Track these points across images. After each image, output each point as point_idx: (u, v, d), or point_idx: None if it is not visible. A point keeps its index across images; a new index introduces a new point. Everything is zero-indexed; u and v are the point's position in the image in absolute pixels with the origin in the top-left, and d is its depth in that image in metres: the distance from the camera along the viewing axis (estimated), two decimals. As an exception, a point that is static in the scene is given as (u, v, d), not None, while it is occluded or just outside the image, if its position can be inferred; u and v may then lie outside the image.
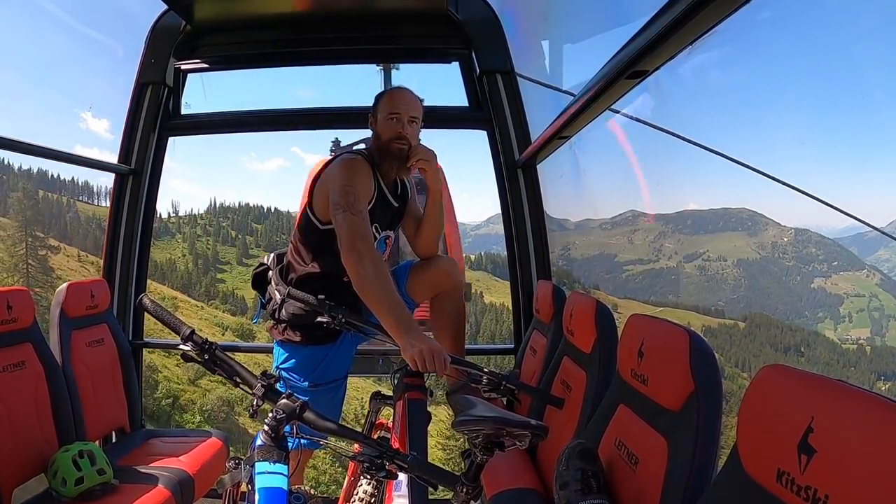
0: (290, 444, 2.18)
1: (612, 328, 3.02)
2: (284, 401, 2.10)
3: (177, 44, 4.81)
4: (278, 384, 2.20)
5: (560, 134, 3.72)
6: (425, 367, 2.63)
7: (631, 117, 3.77)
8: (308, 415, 2.10)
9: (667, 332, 2.15)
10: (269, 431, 2.11)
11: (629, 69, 2.41)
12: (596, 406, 2.66)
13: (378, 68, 5.57)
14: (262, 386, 2.14)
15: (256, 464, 2.11)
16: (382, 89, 3.56)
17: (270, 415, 2.11)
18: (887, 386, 77.90)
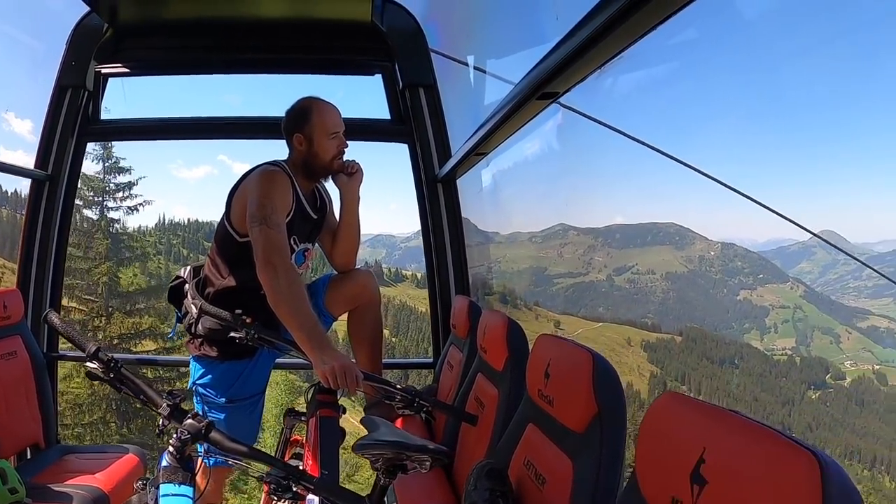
0: (209, 462, 2.15)
1: (524, 347, 3.02)
2: (190, 421, 2.07)
3: (98, 46, 4.67)
4: (195, 400, 2.16)
5: (476, 151, 3.74)
6: (337, 383, 2.63)
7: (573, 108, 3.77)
8: (214, 435, 2.07)
9: (571, 353, 2.15)
10: (175, 452, 2.07)
11: (539, 90, 2.41)
12: (507, 424, 2.65)
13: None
14: (168, 405, 2.10)
15: (161, 486, 2.08)
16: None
17: (175, 435, 2.07)
18: (818, 394, 79.96)
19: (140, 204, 34.65)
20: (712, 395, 76.75)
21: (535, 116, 2.91)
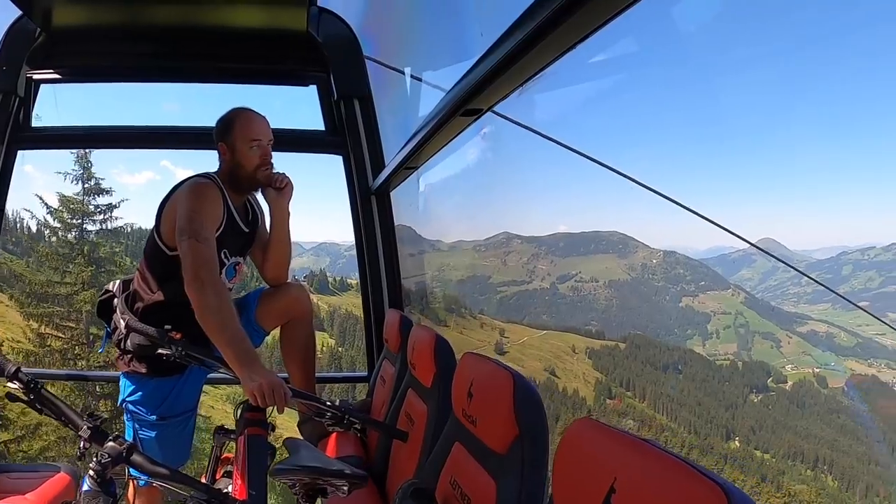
0: (141, 482, 2.12)
1: (452, 363, 2.99)
2: (111, 443, 2.02)
3: (30, 51, 4.52)
4: (125, 417, 2.11)
5: (406, 165, 3.71)
6: (265, 401, 2.60)
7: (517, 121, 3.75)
8: (136, 457, 2.04)
9: (493, 373, 2.13)
10: (95, 476, 2.02)
11: (462, 107, 2.40)
12: (436, 441, 2.63)
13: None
14: (89, 427, 2.05)
15: None
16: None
17: (95, 458, 2.02)
18: (760, 398, 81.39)
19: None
20: (657, 400, 77.81)
21: (461, 132, 2.90)
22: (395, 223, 4.88)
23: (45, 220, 30.75)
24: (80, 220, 31.37)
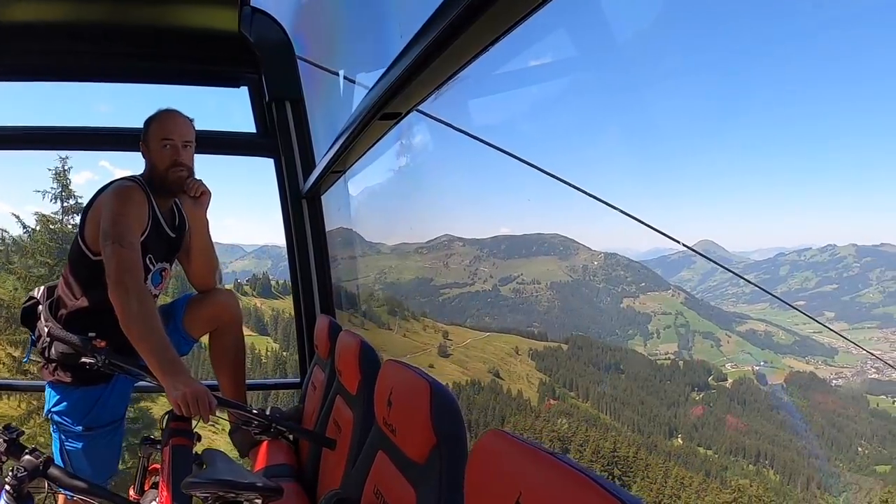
0: (70, 495, 2.06)
1: (376, 370, 2.96)
2: (28, 457, 1.97)
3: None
4: (52, 428, 2.06)
5: (332, 168, 3.68)
6: (189, 411, 2.55)
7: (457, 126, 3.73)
8: (53, 471, 2.00)
9: (411, 382, 2.11)
10: (12, 491, 1.97)
11: (380, 111, 2.39)
12: (361, 450, 2.60)
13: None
14: (5, 441, 1.99)
15: None
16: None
17: (11, 473, 1.96)
18: (701, 396, 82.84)
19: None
20: (600, 400, 78.74)
21: (382, 136, 2.89)
22: (338, 226, 4.86)
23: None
24: (58, 244, 30.24)
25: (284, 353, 64.76)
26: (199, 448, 2.89)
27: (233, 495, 1.99)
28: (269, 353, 64.09)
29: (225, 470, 2.08)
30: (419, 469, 1.99)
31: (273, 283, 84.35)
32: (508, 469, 1.34)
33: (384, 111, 2.37)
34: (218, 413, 2.85)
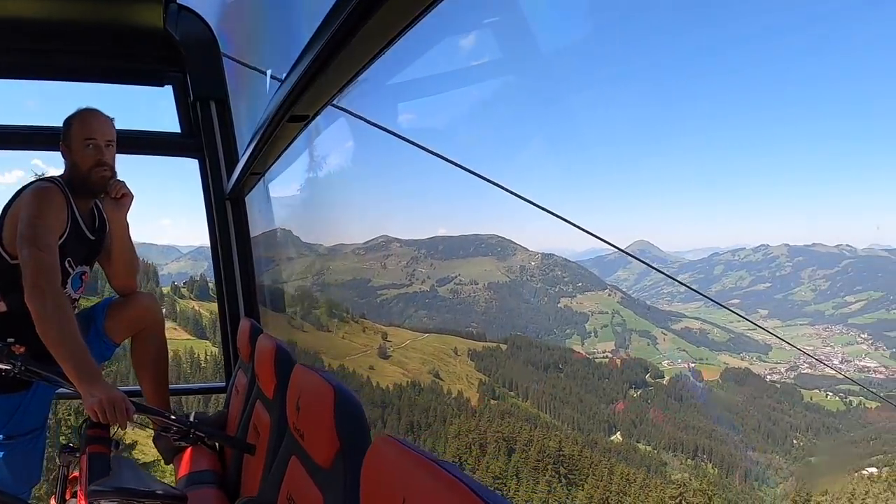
0: None
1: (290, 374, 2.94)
2: None
3: None
4: None
5: (251, 171, 3.64)
6: (106, 417, 2.52)
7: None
8: None
9: (317, 386, 2.09)
10: None
11: (287, 113, 2.38)
12: (276, 455, 2.58)
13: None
14: None
15: None
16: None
17: None
18: (639, 393, 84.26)
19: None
20: (540, 399, 79.46)
21: (294, 138, 2.88)
22: (267, 227, 4.80)
23: None
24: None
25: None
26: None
27: (136, 502, 1.97)
28: (208, 357, 63.36)
29: (128, 478, 2.05)
30: (325, 474, 1.98)
31: (210, 285, 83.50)
32: (394, 475, 1.35)
33: (292, 113, 2.36)
34: (139, 420, 2.81)
